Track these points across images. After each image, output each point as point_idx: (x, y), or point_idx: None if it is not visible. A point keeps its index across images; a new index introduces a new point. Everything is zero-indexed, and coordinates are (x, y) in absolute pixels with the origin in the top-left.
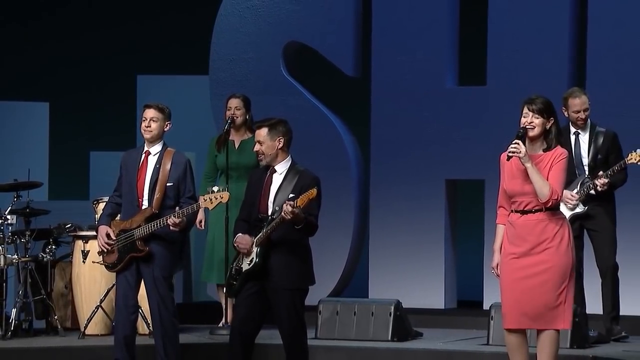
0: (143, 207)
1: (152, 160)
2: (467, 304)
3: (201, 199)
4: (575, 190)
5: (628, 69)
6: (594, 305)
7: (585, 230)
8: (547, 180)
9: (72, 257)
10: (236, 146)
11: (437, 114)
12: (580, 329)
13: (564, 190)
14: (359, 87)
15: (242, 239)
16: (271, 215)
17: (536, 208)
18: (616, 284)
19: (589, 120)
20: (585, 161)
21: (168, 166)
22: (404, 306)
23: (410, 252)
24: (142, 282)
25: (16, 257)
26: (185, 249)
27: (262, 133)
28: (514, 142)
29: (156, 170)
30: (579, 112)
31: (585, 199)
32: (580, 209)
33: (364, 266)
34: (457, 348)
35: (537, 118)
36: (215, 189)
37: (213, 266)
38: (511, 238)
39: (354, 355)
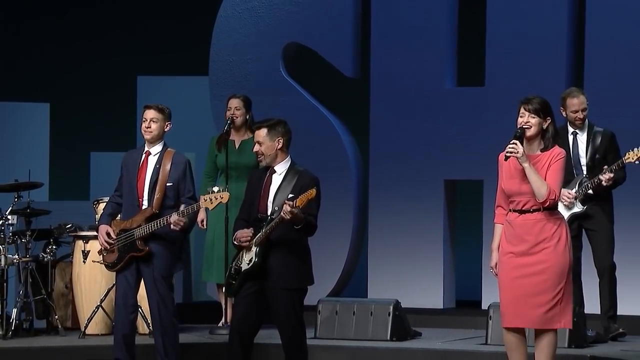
0: (143, 207)
1: (152, 161)
2: (465, 304)
3: (202, 198)
4: (574, 190)
5: (626, 69)
6: (592, 305)
7: (583, 230)
8: (545, 179)
9: (72, 257)
10: (236, 146)
11: (436, 115)
12: (578, 328)
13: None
14: (358, 87)
15: (241, 233)
16: (270, 215)
17: (534, 208)
18: (614, 283)
19: (586, 120)
20: (583, 161)
21: (168, 166)
22: (402, 306)
23: (409, 252)
24: (142, 282)
25: (17, 257)
26: (185, 248)
27: (262, 134)
28: (511, 142)
29: (156, 171)
30: (577, 112)
31: (584, 199)
32: (579, 208)
33: (363, 266)
34: (456, 348)
35: (534, 118)
36: (216, 189)
37: (213, 265)
38: (509, 237)
39: (353, 355)
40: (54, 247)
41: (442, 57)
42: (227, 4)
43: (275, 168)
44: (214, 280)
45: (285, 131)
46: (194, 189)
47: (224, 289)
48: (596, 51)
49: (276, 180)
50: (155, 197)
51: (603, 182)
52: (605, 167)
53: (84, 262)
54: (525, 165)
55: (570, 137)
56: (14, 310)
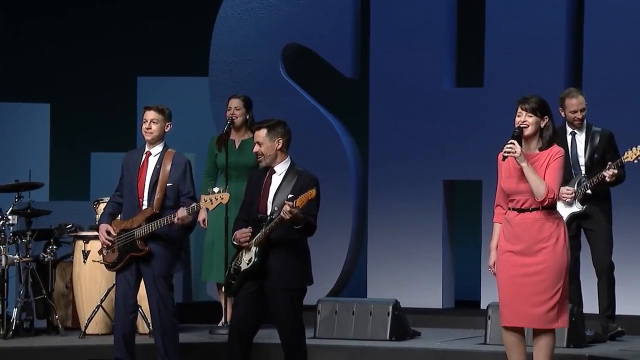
0: (143, 208)
1: (152, 161)
2: (464, 304)
3: (202, 199)
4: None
5: (624, 69)
6: (590, 304)
7: (582, 230)
8: (544, 179)
9: (72, 257)
10: (236, 146)
11: (435, 115)
12: (577, 328)
13: None
14: (357, 88)
15: (240, 232)
16: (270, 216)
17: (533, 207)
18: (612, 283)
19: (585, 120)
20: (582, 161)
21: (168, 167)
22: (402, 306)
23: (408, 252)
24: (142, 282)
25: (17, 257)
26: (185, 248)
27: (261, 134)
28: (509, 142)
29: (156, 171)
30: (575, 112)
31: (583, 199)
32: (578, 208)
33: (362, 266)
34: (455, 347)
35: (531, 117)
36: (216, 189)
37: (212, 265)
38: (507, 236)
39: (352, 355)
40: (54, 247)
41: (441, 58)
42: (227, 4)
43: (275, 168)
44: (213, 280)
45: (285, 131)
46: (194, 190)
47: (223, 288)
48: (595, 51)
49: (276, 180)
50: (156, 197)
51: (607, 178)
52: (610, 162)
53: (84, 262)
54: (523, 164)
55: (569, 137)
56: (15, 310)
